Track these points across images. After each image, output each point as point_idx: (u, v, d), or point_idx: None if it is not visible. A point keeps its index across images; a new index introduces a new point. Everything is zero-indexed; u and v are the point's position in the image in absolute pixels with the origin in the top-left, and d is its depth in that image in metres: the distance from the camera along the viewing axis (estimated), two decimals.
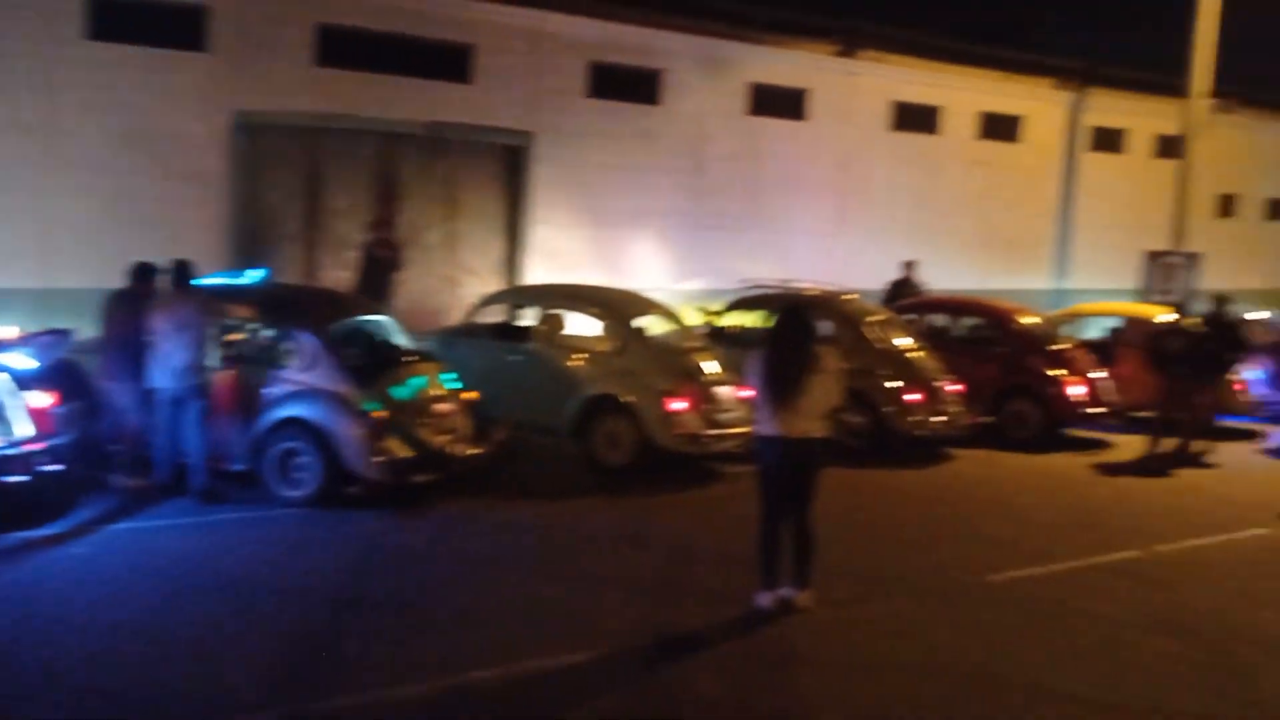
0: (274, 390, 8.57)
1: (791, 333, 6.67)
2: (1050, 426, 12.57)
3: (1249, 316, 15.72)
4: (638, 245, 16.70)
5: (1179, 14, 15.81)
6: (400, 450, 8.41)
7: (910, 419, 11.31)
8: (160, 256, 9.08)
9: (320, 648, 5.82)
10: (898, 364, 11.55)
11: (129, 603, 6.29)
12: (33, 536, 7.37)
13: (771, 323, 7.00)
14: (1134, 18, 23.15)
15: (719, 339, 11.61)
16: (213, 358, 8.56)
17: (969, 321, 14.13)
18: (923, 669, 5.87)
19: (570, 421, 10.08)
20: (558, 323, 10.96)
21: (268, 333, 9.02)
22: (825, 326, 11.65)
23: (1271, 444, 13.01)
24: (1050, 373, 12.61)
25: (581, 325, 11.08)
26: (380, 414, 8.39)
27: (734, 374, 9.45)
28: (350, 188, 14.65)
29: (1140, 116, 22.67)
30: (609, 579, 7.12)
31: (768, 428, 6.55)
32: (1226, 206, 24.94)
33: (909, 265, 16.90)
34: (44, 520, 7.62)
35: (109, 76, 12.86)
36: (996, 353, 13.00)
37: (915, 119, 19.88)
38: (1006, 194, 21.29)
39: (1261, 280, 24.39)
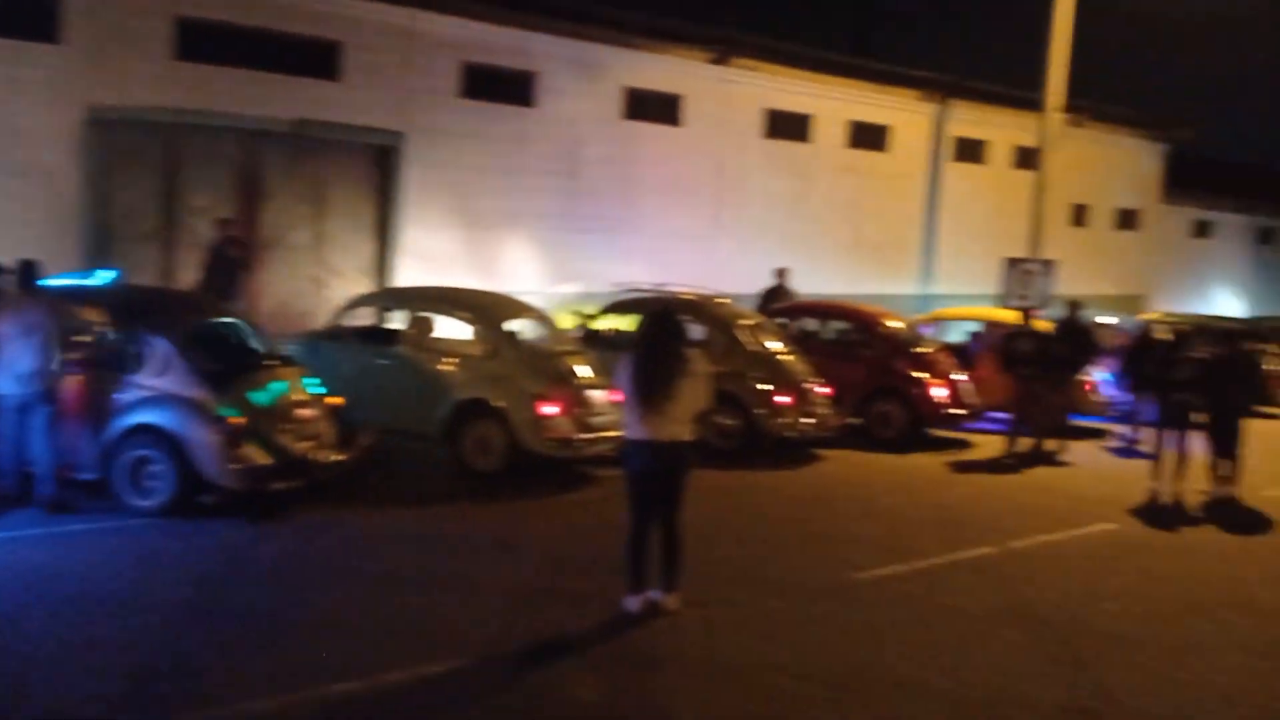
0: (125, 396, 8.22)
1: (660, 336, 6.68)
2: (914, 427, 12.95)
3: (1099, 321, 16.46)
4: (512, 248, 16.58)
5: (1037, 30, 16.42)
6: (259, 457, 8.14)
7: (780, 421, 11.50)
8: (5, 256, 8.64)
9: (171, 662, 5.58)
10: (769, 367, 11.73)
11: None
12: None
13: (641, 325, 7.01)
14: (994, 33, 24.05)
15: (593, 342, 11.60)
16: (61, 362, 8.15)
17: (838, 325, 14.47)
18: (788, 669, 5.94)
19: (440, 426, 9.93)
20: (427, 326, 10.79)
21: (118, 336, 8.62)
22: (697, 330, 11.78)
23: (1118, 442, 13.63)
24: (914, 375, 12.99)
25: (452, 329, 10.93)
26: (237, 420, 8.11)
27: (607, 377, 9.45)
28: (211, 186, 14.15)
29: (1000, 129, 23.53)
30: (476, 586, 7.02)
31: (636, 431, 6.56)
32: (1079, 216, 26.07)
33: (781, 272, 17.23)
34: None
35: None
36: (864, 356, 13.34)
37: (788, 127, 20.24)
38: (875, 201, 21.84)
39: (1111, 286, 25.55)
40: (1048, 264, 15.58)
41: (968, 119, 23.18)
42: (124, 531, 7.71)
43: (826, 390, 12.08)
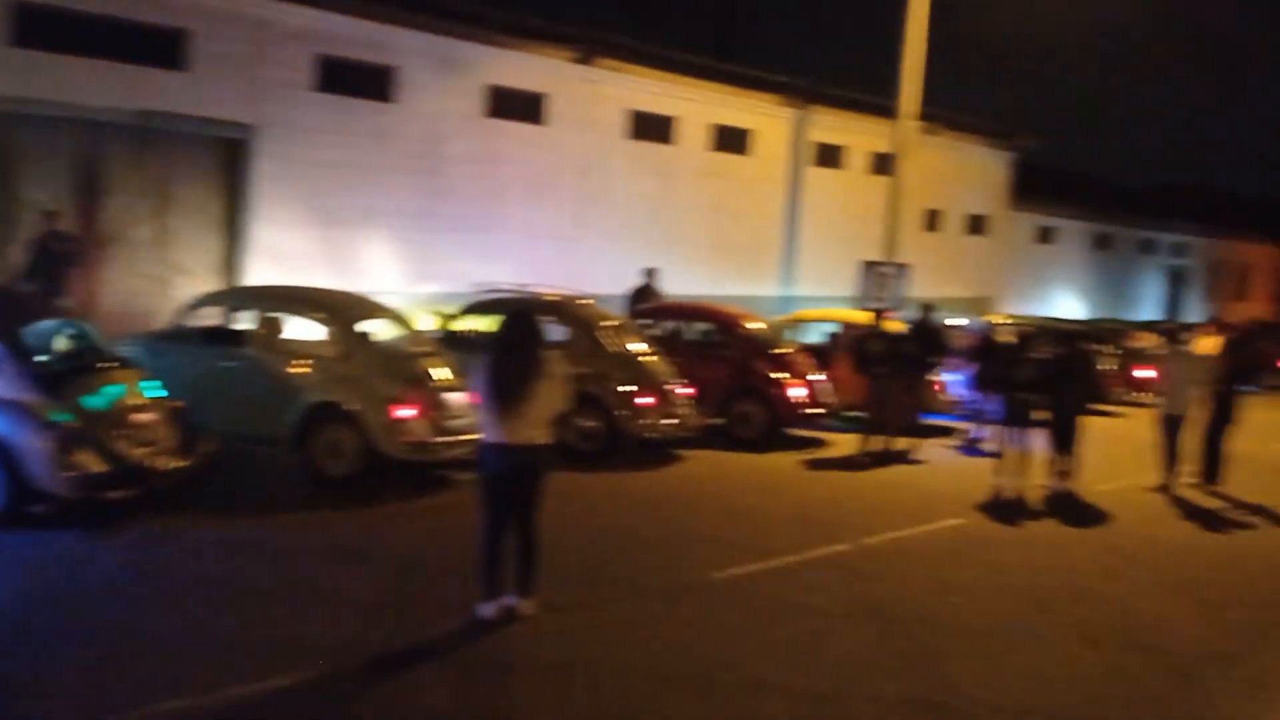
0: None
1: (517, 337, 6.58)
2: (774, 426, 13.14)
3: (950, 322, 17.02)
4: (370, 246, 16.18)
5: (892, 40, 16.88)
6: (93, 464, 7.72)
7: (642, 422, 11.52)
8: None
9: None
10: (631, 368, 11.74)
11: None
12: None
13: (498, 327, 6.90)
14: (853, 42, 24.65)
15: (452, 343, 11.40)
16: None
17: (700, 326, 14.59)
18: (643, 671, 5.92)
19: (289, 431, 9.59)
20: (276, 326, 10.43)
21: None
22: (559, 331, 11.71)
23: (966, 440, 14.09)
24: (774, 375, 13.18)
25: (303, 330, 10.59)
26: (71, 425, 7.68)
27: (466, 379, 9.29)
28: (47, 179, 13.38)
29: (857, 135, 24.14)
30: (326, 596, 6.81)
31: (491, 434, 6.45)
32: (932, 221, 26.95)
33: (650, 273, 17.31)
34: None
35: None
36: (725, 356, 13.48)
37: (652, 128, 20.33)
38: (737, 204, 22.13)
39: (961, 289, 26.51)
40: (902, 267, 16.05)
41: (827, 125, 23.70)
42: None
43: (688, 391, 12.15)
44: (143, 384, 8.54)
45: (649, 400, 11.55)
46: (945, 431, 14.68)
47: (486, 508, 6.54)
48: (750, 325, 13.88)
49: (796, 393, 13.16)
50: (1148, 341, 19.36)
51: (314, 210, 15.52)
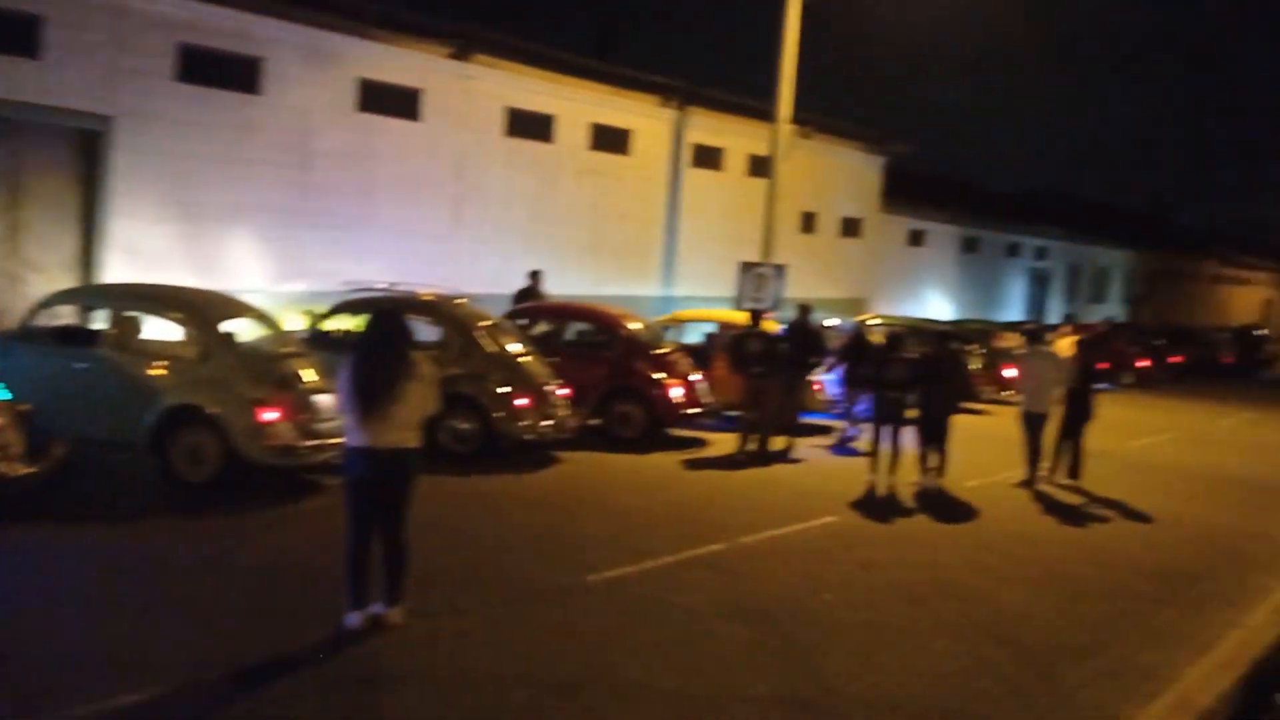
0: None
1: (383, 337, 6.39)
2: (653, 427, 13.13)
3: (827, 323, 17.31)
4: (236, 243, 15.60)
5: (769, 45, 17.12)
6: None
7: (519, 423, 11.37)
8: None
9: None
10: (507, 369, 11.57)
11: None
12: None
13: (363, 327, 6.68)
14: (731, 45, 24.94)
15: (322, 343, 11.06)
16: None
17: (579, 326, 14.52)
18: (514, 678, 5.79)
19: (146, 435, 9.16)
20: (133, 326, 9.95)
21: None
22: (433, 331, 11.49)
23: (840, 439, 14.32)
24: (653, 375, 13.17)
25: (161, 329, 10.13)
26: None
27: (333, 380, 9.00)
28: None
29: (735, 137, 24.37)
30: (183, 607, 6.50)
31: (355, 438, 6.24)
32: (808, 223, 27.41)
33: (535, 275, 17.15)
34: None
35: None
36: (604, 356, 13.42)
37: (530, 126, 20.14)
38: (617, 204, 22.11)
39: (836, 290, 27.03)
40: (779, 268, 16.26)
41: (706, 126, 23.86)
42: None
43: (566, 392, 12.05)
44: None
45: (526, 401, 11.41)
46: (824, 430, 14.90)
47: (352, 514, 6.33)
48: (629, 325, 13.85)
49: (676, 393, 13.18)
50: (1013, 342, 20.00)
51: (176, 205, 14.90)
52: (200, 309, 9.86)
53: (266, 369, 9.42)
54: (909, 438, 11.57)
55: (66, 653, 5.68)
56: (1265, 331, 38.77)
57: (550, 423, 11.64)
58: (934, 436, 11.62)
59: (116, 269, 14.17)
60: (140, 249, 14.38)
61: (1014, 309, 38.23)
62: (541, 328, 14.11)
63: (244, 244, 15.67)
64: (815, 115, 23.91)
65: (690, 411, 13.39)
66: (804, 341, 14.24)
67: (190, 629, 6.15)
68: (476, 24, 19.00)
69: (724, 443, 13.28)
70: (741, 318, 15.20)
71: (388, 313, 6.60)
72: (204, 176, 15.16)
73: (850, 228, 29.42)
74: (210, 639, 6.03)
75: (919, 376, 11.60)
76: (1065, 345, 12.89)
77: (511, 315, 13.99)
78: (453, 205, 18.80)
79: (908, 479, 11.50)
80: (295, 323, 12.50)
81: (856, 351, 14.25)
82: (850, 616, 7.25)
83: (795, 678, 6.13)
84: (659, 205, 23.25)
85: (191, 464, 9.12)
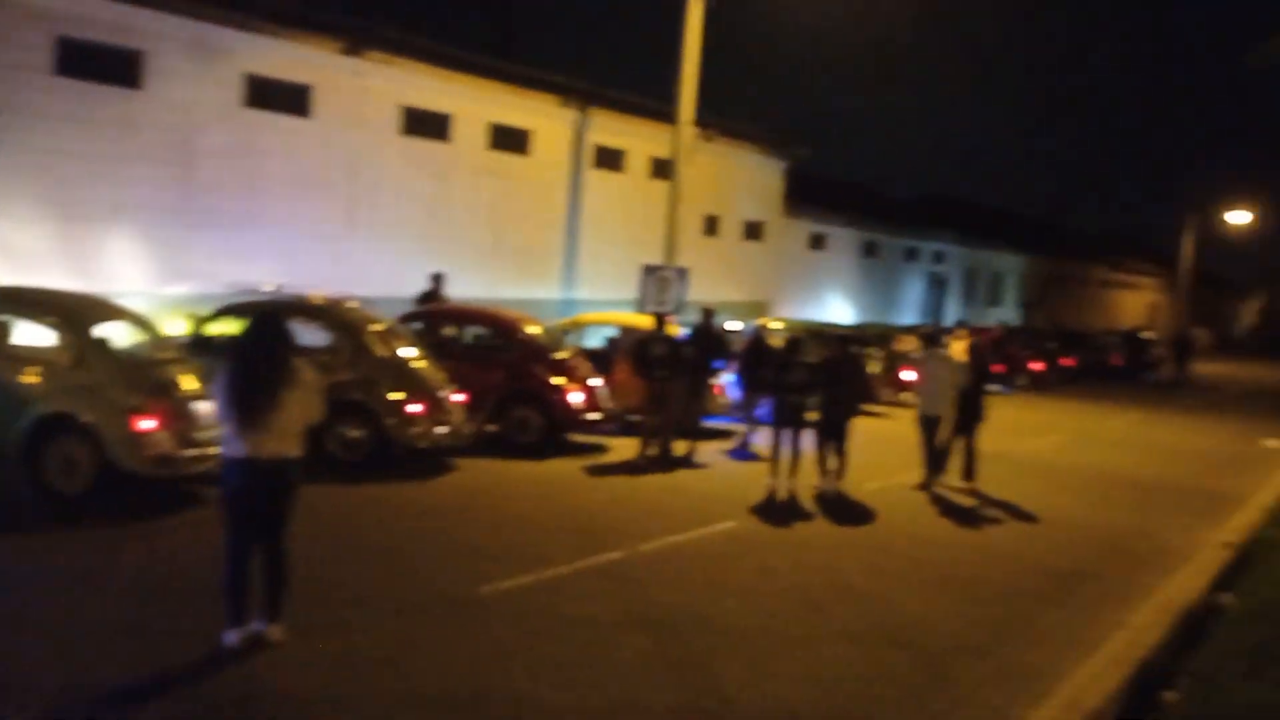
0: None
1: (262, 342, 6.09)
2: (552, 432, 12.92)
3: (729, 326, 17.30)
4: (117, 244, 14.94)
5: (671, 47, 17.02)
6: None
7: (413, 430, 11.07)
8: None
9: None
10: (400, 374, 11.26)
11: None
12: None
13: (241, 332, 6.37)
14: (633, 46, 24.88)
15: (203, 349, 10.61)
16: None
17: (476, 330, 14.23)
18: (404, 697, 5.56)
19: (15, 444, 8.66)
20: (2, 331, 9.38)
21: None
22: (322, 336, 11.12)
23: (740, 443, 14.28)
24: (552, 380, 12.96)
25: (32, 334, 9.58)
26: None
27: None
28: None
29: (637, 139, 24.29)
30: (51, 625, 6.13)
31: (233, 448, 5.94)
32: (711, 226, 27.49)
33: (436, 278, 16.78)
34: None
35: None
36: (501, 361, 13.18)
37: (426, 125, 19.76)
38: (517, 205, 21.83)
39: (739, 293, 27.16)
40: (682, 271, 16.17)
41: (607, 127, 23.73)
42: None
43: (461, 397, 11.78)
44: None
45: (419, 407, 11.11)
46: (725, 434, 14.86)
47: (230, 527, 6.03)
48: (527, 329, 13.62)
49: (575, 398, 12.99)
50: (911, 345, 20.26)
51: (51, 204, 14.21)
52: (73, 313, 9.34)
53: (143, 375, 8.98)
54: (809, 441, 11.58)
55: None
56: (1151, 335, 40.17)
57: (445, 429, 11.36)
58: (834, 440, 11.64)
59: None
60: (12, 249, 13.68)
61: (912, 312, 38.97)
62: (437, 332, 13.79)
63: (125, 245, 15.01)
64: (718, 118, 23.97)
65: (590, 417, 13.21)
66: (708, 345, 14.19)
67: (60, 648, 5.81)
68: (370, 19, 18.58)
69: (625, 448, 13.15)
70: (644, 321, 15.08)
71: (267, 316, 6.30)
72: (81, 174, 14.50)
73: (753, 231, 29.59)
74: (81, 659, 5.70)
75: (819, 380, 11.61)
76: (959, 349, 13.03)
77: (406, 319, 13.64)
78: (346, 205, 18.33)
79: (808, 482, 11.50)
80: (177, 327, 12.00)
81: (756, 355, 14.25)
82: (750, 623, 7.16)
83: (694, 688, 6.01)
84: (560, 207, 23.04)
85: (65, 475, 8.68)
